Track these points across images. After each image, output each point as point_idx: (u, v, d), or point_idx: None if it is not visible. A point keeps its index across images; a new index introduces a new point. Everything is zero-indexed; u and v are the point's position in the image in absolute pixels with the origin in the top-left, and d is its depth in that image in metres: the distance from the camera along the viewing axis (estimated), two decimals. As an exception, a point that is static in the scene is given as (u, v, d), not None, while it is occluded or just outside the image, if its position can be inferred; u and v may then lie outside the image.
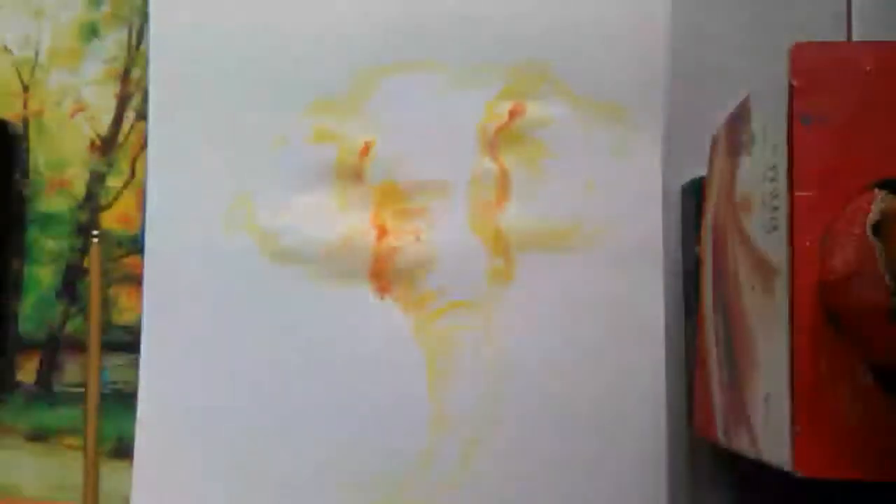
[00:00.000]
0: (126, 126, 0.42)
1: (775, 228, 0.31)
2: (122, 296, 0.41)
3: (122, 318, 0.41)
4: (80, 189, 0.42)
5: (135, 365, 0.40)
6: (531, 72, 0.40)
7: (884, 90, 0.30)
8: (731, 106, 0.37)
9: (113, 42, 0.42)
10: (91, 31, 0.42)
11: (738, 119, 0.36)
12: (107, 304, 0.41)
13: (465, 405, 0.39)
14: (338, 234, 0.40)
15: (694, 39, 0.42)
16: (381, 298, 0.40)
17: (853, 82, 0.30)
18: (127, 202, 0.41)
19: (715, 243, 0.38)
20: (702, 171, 0.40)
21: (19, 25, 0.42)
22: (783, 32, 0.42)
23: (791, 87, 0.30)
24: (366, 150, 0.41)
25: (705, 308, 0.39)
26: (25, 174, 0.42)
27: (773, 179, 0.31)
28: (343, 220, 0.40)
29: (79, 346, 0.41)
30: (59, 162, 0.42)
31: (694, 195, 0.40)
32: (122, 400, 0.40)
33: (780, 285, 0.30)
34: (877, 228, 0.27)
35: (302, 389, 0.40)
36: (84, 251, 0.41)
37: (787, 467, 0.29)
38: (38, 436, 0.40)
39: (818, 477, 0.29)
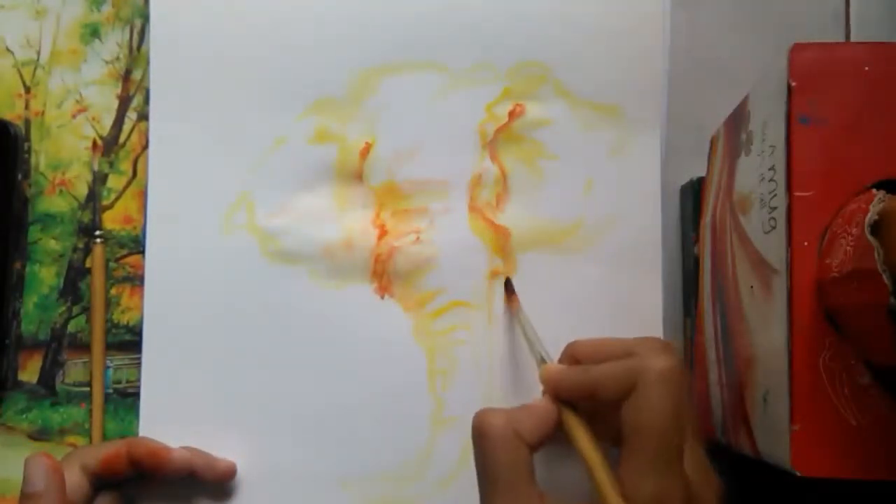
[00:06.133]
0: (127, 126, 0.42)
1: (774, 228, 0.31)
2: (124, 296, 0.41)
3: (124, 317, 0.41)
4: (81, 189, 0.42)
5: (136, 364, 0.40)
6: (531, 72, 0.40)
7: (882, 91, 0.30)
8: (730, 106, 0.37)
9: (114, 43, 0.42)
10: (92, 32, 0.42)
11: (737, 119, 0.36)
12: (108, 303, 0.41)
13: (465, 405, 0.39)
14: (338, 234, 0.40)
15: (692, 40, 0.42)
16: (382, 298, 0.40)
17: (852, 83, 0.30)
18: (128, 202, 0.42)
19: (713, 243, 0.38)
20: (700, 172, 0.41)
21: (21, 26, 0.42)
22: (782, 32, 0.42)
23: (789, 87, 0.30)
24: (366, 150, 0.41)
25: (704, 307, 0.39)
26: (27, 175, 0.42)
27: (771, 179, 0.31)
28: (343, 220, 0.40)
29: (81, 346, 0.41)
30: (60, 162, 0.42)
31: (693, 195, 0.41)
32: (124, 399, 0.41)
33: (779, 285, 0.30)
34: (875, 228, 0.27)
35: (302, 389, 0.40)
36: (86, 251, 0.41)
37: (786, 466, 0.29)
38: (41, 435, 0.41)
39: (816, 476, 0.29)
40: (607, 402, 0.32)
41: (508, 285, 0.40)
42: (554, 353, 0.36)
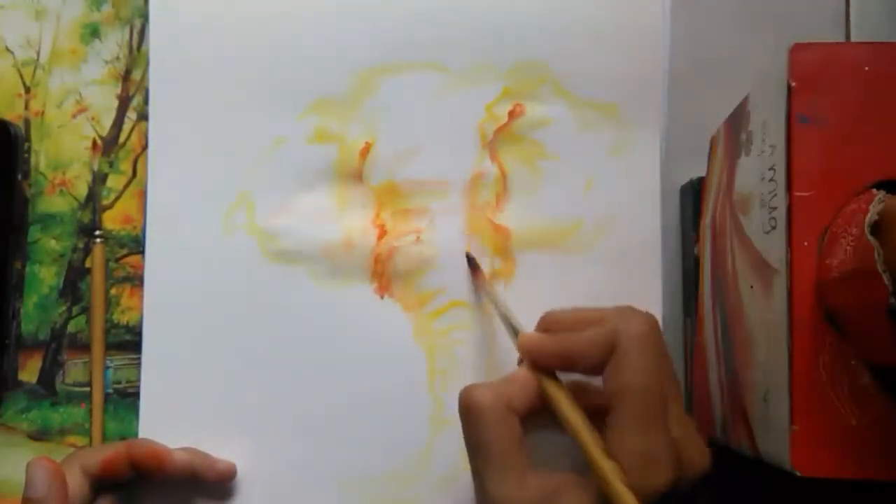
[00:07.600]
0: (127, 126, 0.42)
1: (774, 228, 0.31)
2: (124, 296, 0.41)
3: (124, 317, 0.41)
4: (81, 189, 0.42)
5: (136, 364, 0.40)
6: (530, 72, 0.40)
7: (882, 90, 0.30)
8: (730, 106, 0.37)
9: (114, 43, 0.42)
10: (92, 32, 0.42)
11: (737, 119, 0.36)
12: (108, 303, 0.41)
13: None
14: (338, 234, 0.40)
15: (692, 40, 0.42)
16: (381, 298, 0.40)
17: (851, 83, 0.30)
18: (128, 202, 0.42)
19: (713, 243, 0.38)
20: (700, 172, 0.41)
21: (21, 26, 0.42)
22: (782, 32, 0.42)
23: (789, 87, 0.30)
24: (366, 150, 0.41)
25: (704, 307, 0.39)
26: (27, 175, 0.42)
27: (771, 179, 0.31)
28: (343, 220, 0.40)
29: (81, 346, 0.41)
30: (60, 162, 0.42)
31: (692, 195, 0.41)
32: (124, 399, 0.41)
33: (779, 285, 0.30)
34: (875, 228, 0.27)
35: (302, 389, 0.40)
36: (86, 251, 0.41)
37: (786, 466, 0.29)
38: (41, 435, 0.41)
39: (816, 476, 0.29)
40: (587, 369, 0.32)
41: (471, 261, 0.39)
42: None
